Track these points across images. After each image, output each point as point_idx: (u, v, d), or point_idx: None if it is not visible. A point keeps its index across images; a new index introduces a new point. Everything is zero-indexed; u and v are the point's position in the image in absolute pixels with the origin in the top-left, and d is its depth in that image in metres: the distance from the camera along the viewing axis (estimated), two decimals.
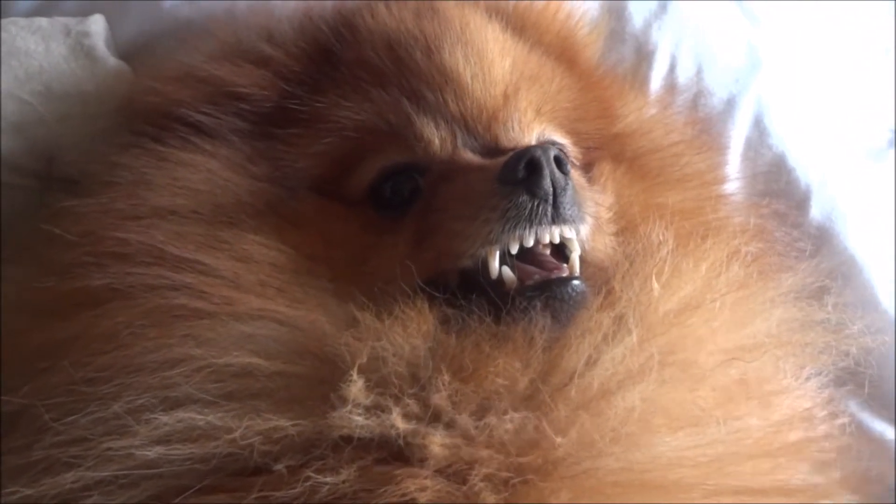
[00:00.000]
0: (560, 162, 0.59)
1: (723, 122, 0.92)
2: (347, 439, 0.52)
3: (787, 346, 0.65)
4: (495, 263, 0.58)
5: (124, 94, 0.76)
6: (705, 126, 0.90)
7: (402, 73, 0.68)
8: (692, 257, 0.63)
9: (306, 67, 0.72)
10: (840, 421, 0.72)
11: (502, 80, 0.70)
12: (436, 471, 0.51)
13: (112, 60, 0.76)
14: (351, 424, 0.51)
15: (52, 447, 0.53)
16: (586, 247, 0.62)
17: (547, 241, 0.59)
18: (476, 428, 0.52)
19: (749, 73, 0.95)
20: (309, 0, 0.80)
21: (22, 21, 0.76)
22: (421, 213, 0.63)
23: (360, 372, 0.52)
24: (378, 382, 0.53)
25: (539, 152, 0.58)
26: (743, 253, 0.68)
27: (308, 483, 0.50)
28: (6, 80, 0.71)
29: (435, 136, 0.66)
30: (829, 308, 0.70)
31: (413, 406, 0.52)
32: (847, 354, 0.69)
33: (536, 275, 0.58)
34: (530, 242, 0.58)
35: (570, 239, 0.60)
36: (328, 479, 0.50)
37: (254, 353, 0.54)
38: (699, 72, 0.93)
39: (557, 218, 0.59)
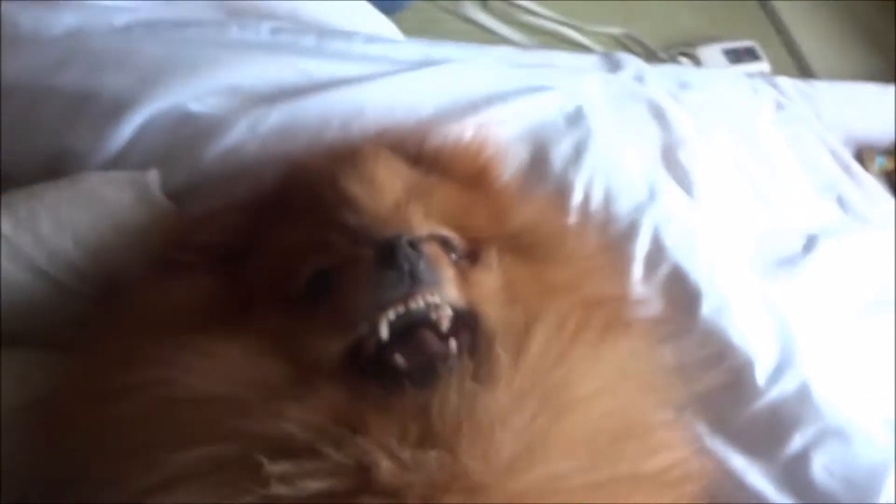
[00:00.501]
0: (412, 244, 0.74)
1: (627, 241, 1.16)
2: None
3: (646, 385, 0.83)
4: (384, 329, 0.72)
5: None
6: (613, 245, 1.15)
7: (318, 204, 0.87)
8: (568, 320, 0.79)
9: (264, 215, 0.94)
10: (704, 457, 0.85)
11: (391, 195, 0.84)
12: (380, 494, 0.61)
13: (166, 203, 1.02)
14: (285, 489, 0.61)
15: None
16: (457, 305, 0.76)
17: (417, 305, 0.73)
18: (411, 459, 0.63)
19: (647, 202, 1.21)
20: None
21: (101, 175, 1.01)
22: (330, 298, 0.78)
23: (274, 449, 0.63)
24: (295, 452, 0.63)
25: (394, 238, 0.74)
26: (611, 315, 0.88)
27: None
28: (91, 218, 0.96)
29: (340, 243, 0.81)
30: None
31: (338, 458, 0.63)
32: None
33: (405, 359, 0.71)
34: (402, 309, 0.72)
35: (435, 300, 0.74)
36: None
37: (200, 442, 0.65)
38: (607, 203, 1.19)
39: (417, 283, 0.73)
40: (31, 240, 0.95)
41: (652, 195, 1.23)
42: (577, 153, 1.23)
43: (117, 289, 0.97)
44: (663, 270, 1.17)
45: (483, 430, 0.65)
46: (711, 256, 1.20)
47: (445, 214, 0.89)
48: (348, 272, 0.77)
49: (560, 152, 1.23)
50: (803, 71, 2.74)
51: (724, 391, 1.10)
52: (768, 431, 1.07)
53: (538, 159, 1.21)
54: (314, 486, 0.61)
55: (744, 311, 1.16)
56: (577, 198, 1.19)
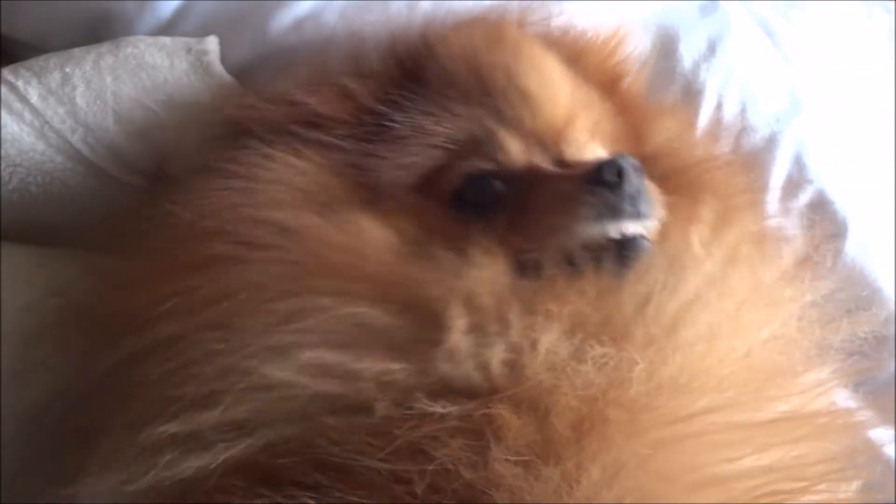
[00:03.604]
0: (637, 169, 0.69)
1: (764, 158, 0.99)
2: (447, 384, 0.58)
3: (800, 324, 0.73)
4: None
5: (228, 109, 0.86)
6: (748, 159, 0.99)
7: (483, 91, 0.78)
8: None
9: (389, 91, 0.80)
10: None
11: (565, 104, 0.79)
12: (520, 404, 0.56)
13: (226, 76, 0.86)
14: (453, 364, 0.58)
15: (191, 385, 0.58)
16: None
17: (629, 232, 0.69)
18: (567, 360, 0.58)
19: (790, 113, 1.02)
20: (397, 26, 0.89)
21: (149, 39, 0.87)
22: (511, 210, 0.72)
23: (460, 312, 0.60)
24: (474, 323, 0.60)
25: (625, 161, 0.69)
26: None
27: (408, 428, 0.54)
28: (136, 90, 0.81)
29: (514, 147, 0.75)
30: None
31: (504, 340, 0.59)
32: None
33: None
34: (617, 234, 0.68)
35: (643, 232, 0.70)
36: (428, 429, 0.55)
37: (369, 305, 0.61)
38: (743, 110, 1.01)
39: (636, 214, 0.69)
40: (63, 112, 0.79)
41: (796, 105, 1.03)
42: (711, 49, 1.04)
43: (168, 178, 0.82)
44: (805, 196, 0.99)
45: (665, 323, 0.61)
46: (858, 184, 1.02)
47: (602, 133, 0.81)
48: (530, 186, 0.73)
49: (691, 46, 1.03)
50: None
51: (864, 344, 0.93)
52: None
53: (664, 53, 1.02)
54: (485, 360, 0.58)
55: (893, 252, 0.98)
56: (708, 103, 1.00)
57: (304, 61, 0.89)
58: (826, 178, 1.00)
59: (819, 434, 0.66)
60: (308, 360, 0.58)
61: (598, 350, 0.59)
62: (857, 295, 0.96)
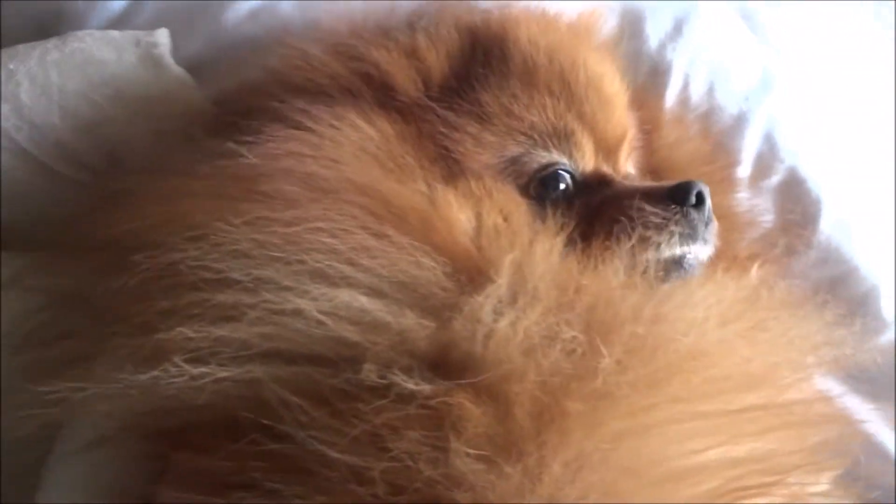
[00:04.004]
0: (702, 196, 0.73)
1: (733, 137, 0.98)
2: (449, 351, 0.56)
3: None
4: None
5: (187, 100, 0.83)
6: (717, 140, 0.97)
7: (564, 86, 0.78)
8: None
9: (469, 65, 0.79)
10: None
11: (626, 114, 0.83)
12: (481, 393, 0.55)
13: (176, 69, 0.83)
14: (468, 326, 0.56)
15: (213, 297, 0.57)
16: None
17: (701, 256, 0.74)
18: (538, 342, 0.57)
19: (759, 91, 1.00)
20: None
21: (97, 33, 0.85)
22: (579, 210, 0.74)
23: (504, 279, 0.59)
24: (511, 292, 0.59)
25: (703, 188, 0.74)
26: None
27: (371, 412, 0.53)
28: (82, 85, 0.79)
29: (588, 149, 0.78)
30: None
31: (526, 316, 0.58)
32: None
33: None
34: (688, 252, 0.73)
35: (700, 257, 0.75)
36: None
37: (429, 259, 0.60)
38: (711, 90, 0.99)
39: (706, 240, 0.74)
40: (8, 110, 0.77)
41: (766, 84, 1.01)
42: (677, 28, 1.02)
43: (119, 173, 0.79)
44: (777, 173, 0.98)
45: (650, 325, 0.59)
46: (832, 162, 1.00)
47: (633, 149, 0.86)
48: (599, 190, 0.77)
49: (657, 26, 1.02)
50: None
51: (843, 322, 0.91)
52: (888, 370, 0.89)
53: (631, 33, 1.00)
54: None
55: (869, 229, 0.97)
56: (675, 83, 0.98)
57: (267, 49, 0.85)
58: (798, 156, 0.98)
59: (794, 424, 0.64)
60: (345, 299, 0.57)
61: (568, 333, 0.57)
62: (833, 273, 0.95)
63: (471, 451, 0.52)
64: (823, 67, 1.11)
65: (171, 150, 0.76)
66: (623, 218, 0.72)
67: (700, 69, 1.00)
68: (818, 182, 0.97)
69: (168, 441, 0.62)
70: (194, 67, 0.89)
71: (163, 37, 0.85)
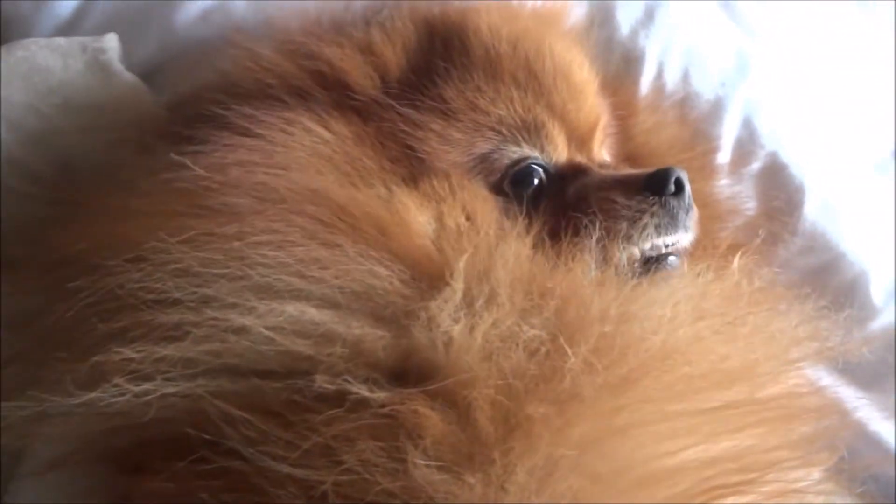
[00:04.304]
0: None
1: (712, 123, 0.95)
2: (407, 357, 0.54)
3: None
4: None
5: (139, 107, 0.80)
6: (695, 126, 0.94)
7: (531, 77, 0.75)
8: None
9: (428, 59, 0.76)
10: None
11: (597, 102, 0.80)
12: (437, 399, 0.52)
13: (127, 75, 0.81)
14: (426, 332, 0.54)
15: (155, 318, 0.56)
16: None
17: (680, 245, 0.72)
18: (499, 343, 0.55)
19: (735, 76, 0.97)
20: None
21: (42, 41, 0.82)
22: (553, 204, 0.72)
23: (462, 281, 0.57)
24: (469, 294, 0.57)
25: (682, 173, 0.71)
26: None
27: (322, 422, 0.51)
28: (28, 95, 0.76)
29: (560, 140, 0.75)
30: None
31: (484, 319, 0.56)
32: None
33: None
34: (667, 243, 0.71)
35: (679, 245, 0.73)
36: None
37: (384, 268, 0.58)
38: (686, 76, 0.96)
39: (686, 228, 0.72)
40: None
41: (742, 68, 0.98)
42: (649, 14, 0.99)
43: (71, 185, 0.76)
44: (758, 160, 0.95)
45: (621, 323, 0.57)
46: (814, 145, 0.97)
47: (606, 136, 0.83)
48: (573, 181, 0.74)
49: (627, 13, 0.99)
50: None
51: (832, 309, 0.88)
52: (884, 358, 0.88)
53: (601, 20, 0.97)
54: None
55: (855, 213, 0.94)
56: (649, 70, 0.95)
57: (219, 51, 0.82)
58: (780, 141, 0.95)
59: (775, 419, 0.62)
60: (293, 313, 0.55)
61: (530, 333, 0.55)
62: (819, 261, 0.92)
63: (430, 460, 0.50)
64: (800, 49, 1.08)
65: (122, 161, 0.73)
66: (595, 211, 0.69)
67: (674, 55, 0.97)
68: (801, 167, 0.94)
69: (122, 463, 0.60)
70: (148, 72, 0.87)
71: (111, 41, 0.82)
